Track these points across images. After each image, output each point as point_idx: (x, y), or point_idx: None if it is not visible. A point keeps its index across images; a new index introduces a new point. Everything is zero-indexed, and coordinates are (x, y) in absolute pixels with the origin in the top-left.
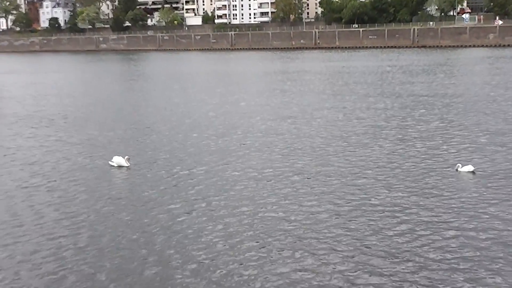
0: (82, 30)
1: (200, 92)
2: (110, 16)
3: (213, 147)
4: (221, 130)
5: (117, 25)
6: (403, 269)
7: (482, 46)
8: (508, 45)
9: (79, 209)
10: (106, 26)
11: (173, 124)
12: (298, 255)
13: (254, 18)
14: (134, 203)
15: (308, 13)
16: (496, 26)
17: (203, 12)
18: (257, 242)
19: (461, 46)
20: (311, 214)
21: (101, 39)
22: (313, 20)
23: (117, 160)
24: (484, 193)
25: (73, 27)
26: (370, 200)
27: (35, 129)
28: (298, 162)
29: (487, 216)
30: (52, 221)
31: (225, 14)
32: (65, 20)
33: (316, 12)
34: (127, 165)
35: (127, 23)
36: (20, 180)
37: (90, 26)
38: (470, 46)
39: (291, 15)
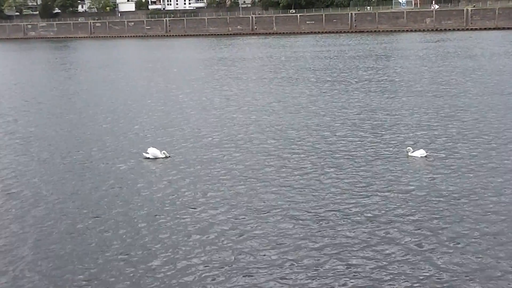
0: (9, 17)
1: (167, 81)
2: (38, 3)
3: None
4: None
5: (45, 12)
6: (348, 256)
7: (419, 30)
8: (445, 29)
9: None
10: (34, 13)
11: (176, 116)
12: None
13: (189, 3)
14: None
15: None
16: (432, 11)
17: None
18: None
19: (399, 30)
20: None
21: (29, 26)
22: (249, 5)
23: (153, 151)
24: (436, 178)
25: None
26: (318, 183)
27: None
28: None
29: (438, 201)
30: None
31: (159, 0)
32: None
33: None
34: (163, 156)
35: (57, 10)
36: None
37: (17, 13)
38: (407, 30)
39: (227, 0)
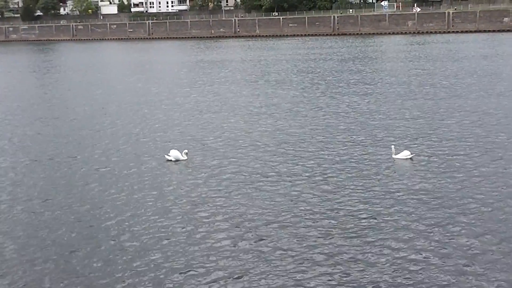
0: None
1: (161, 85)
2: (20, 5)
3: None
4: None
5: (27, 14)
6: (335, 261)
7: (401, 33)
8: (426, 32)
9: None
10: (15, 15)
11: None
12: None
13: (172, 6)
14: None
15: (227, 0)
16: (414, 14)
17: (119, 1)
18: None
19: (381, 33)
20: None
21: (10, 29)
22: (232, 8)
23: (175, 153)
24: (421, 180)
25: None
26: (303, 188)
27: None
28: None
29: (421, 203)
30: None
31: (142, 3)
32: None
33: (235, 0)
34: (185, 158)
35: (39, 12)
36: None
37: None
38: (389, 33)
39: (209, 3)
